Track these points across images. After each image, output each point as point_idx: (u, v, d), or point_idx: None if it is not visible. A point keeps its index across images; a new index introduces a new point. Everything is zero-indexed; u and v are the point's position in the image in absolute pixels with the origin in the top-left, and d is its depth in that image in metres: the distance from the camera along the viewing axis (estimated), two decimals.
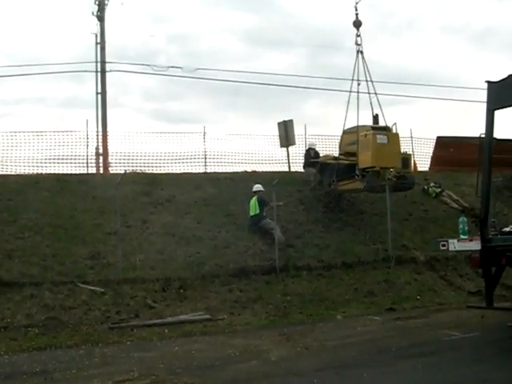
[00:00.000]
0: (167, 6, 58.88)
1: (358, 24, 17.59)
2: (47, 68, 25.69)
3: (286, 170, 21.66)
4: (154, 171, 20.29)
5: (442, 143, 24.24)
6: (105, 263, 14.20)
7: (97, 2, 22.99)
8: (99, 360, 9.51)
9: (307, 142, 22.65)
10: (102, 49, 22.58)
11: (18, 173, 19.47)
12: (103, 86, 22.60)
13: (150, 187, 17.81)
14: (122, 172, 17.56)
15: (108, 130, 22.29)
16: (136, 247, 14.85)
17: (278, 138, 22.32)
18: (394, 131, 17.22)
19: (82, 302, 12.68)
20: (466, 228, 10.89)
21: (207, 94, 63.23)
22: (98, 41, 22.70)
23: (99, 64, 22.52)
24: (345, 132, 18.08)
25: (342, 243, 16.67)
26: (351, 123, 17.63)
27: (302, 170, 21.01)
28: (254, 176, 19.68)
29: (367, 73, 17.17)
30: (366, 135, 16.61)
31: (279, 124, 22.04)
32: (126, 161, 20.98)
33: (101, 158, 21.53)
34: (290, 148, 22.30)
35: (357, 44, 17.54)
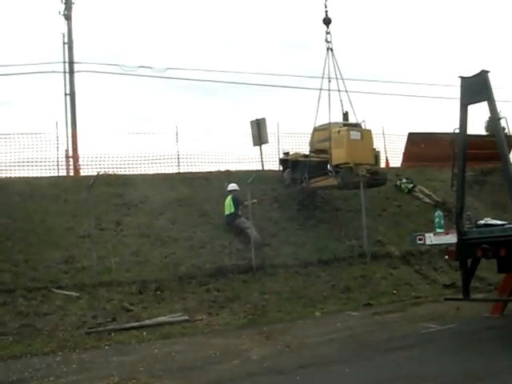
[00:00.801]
0: (134, 3, 58.39)
1: (327, 21, 17.64)
2: (13, 69, 25.33)
3: (260, 168, 21.58)
4: (127, 172, 20.02)
5: (414, 139, 24.46)
6: (79, 267, 13.96)
7: (63, 1, 22.61)
8: (77, 366, 9.34)
9: (280, 141, 22.73)
10: (70, 49, 22.23)
11: None
12: (72, 87, 22.28)
13: (122, 189, 17.58)
14: (93, 174, 17.36)
15: (78, 131, 22.00)
16: (110, 250, 14.65)
17: (250, 136, 22.22)
18: (364, 128, 17.32)
19: (57, 308, 12.46)
20: (442, 222, 10.98)
21: (178, 93, 63.01)
22: (66, 40, 22.33)
23: (67, 64, 22.18)
24: (316, 129, 18.13)
25: (317, 240, 16.70)
26: (322, 121, 17.78)
27: (276, 169, 21.08)
28: (228, 175, 19.61)
29: (337, 70, 17.26)
30: (339, 132, 16.69)
31: (252, 122, 21.98)
32: (96, 163, 20.67)
33: (71, 160, 21.22)
34: (264, 146, 22.22)
35: (327, 41, 17.60)
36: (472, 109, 10.73)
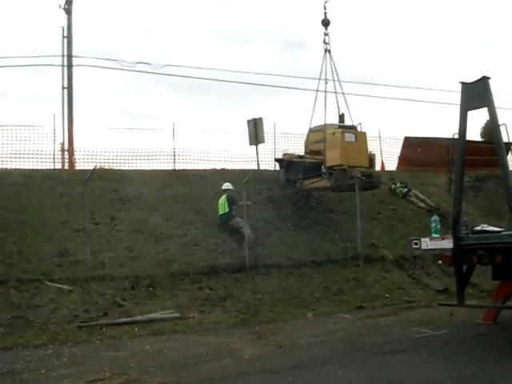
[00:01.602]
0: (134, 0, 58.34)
1: (326, 23, 17.64)
2: (11, 61, 25.18)
3: (255, 167, 21.55)
4: (122, 168, 19.95)
5: (410, 143, 24.51)
6: (73, 261, 13.91)
7: None
8: (69, 360, 9.31)
9: (276, 141, 22.72)
10: (69, 43, 22.11)
11: None
12: (70, 81, 22.18)
13: (118, 184, 17.52)
14: (88, 168, 17.29)
15: (74, 125, 21.87)
16: (104, 244, 14.61)
17: (247, 135, 22.19)
18: (360, 130, 17.32)
19: (50, 301, 12.42)
20: (438, 227, 10.99)
21: (174, 90, 62.99)
22: (65, 34, 22.23)
23: (65, 58, 22.07)
24: (311, 130, 18.12)
25: (311, 241, 16.70)
26: (317, 122, 17.77)
27: (271, 168, 21.09)
28: (224, 173, 19.60)
29: (334, 72, 17.27)
30: (334, 133, 16.68)
31: (249, 122, 21.93)
32: (91, 157, 20.57)
33: (66, 153, 21.12)
34: (260, 146, 22.19)
35: (325, 43, 17.62)
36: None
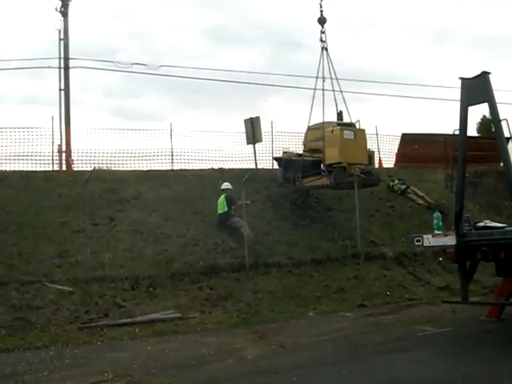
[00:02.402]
0: (128, 2, 58.23)
1: (322, 21, 17.61)
2: (7, 64, 25.03)
3: (253, 167, 21.51)
4: (121, 168, 19.90)
5: (407, 140, 24.47)
6: (73, 262, 13.88)
7: None
8: (70, 361, 9.27)
9: (274, 139, 22.67)
10: (66, 45, 22.08)
11: None
12: (66, 83, 22.14)
13: (116, 184, 17.47)
14: (86, 169, 17.22)
15: (71, 126, 21.84)
16: (104, 245, 14.53)
17: (243, 135, 22.13)
18: (359, 127, 17.27)
19: (50, 302, 12.38)
20: (440, 223, 10.94)
21: (169, 91, 62.91)
22: (62, 37, 22.18)
23: (62, 60, 22.01)
24: (309, 128, 18.08)
25: (310, 240, 16.65)
26: (315, 120, 17.74)
27: (269, 167, 21.04)
28: (221, 173, 19.56)
29: (332, 70, 17.23)
30: (332, 131, 16.65)
31: (246, 121, 21.88)
32: (90, 158, 20.52)
33: (63, 155, 21.06)
34: (257, 145, 22.15)
35: (321, 41, 17.59)
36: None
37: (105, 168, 19.15)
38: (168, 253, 14.96)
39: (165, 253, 14.94)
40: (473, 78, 10.40)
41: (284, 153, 20.00)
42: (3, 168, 18.86)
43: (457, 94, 10.85)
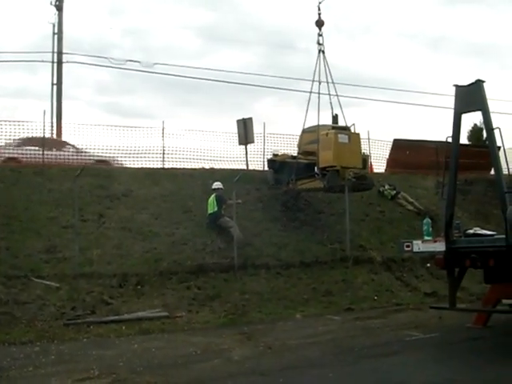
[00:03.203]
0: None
1: (320, 23, 17.63)
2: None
3: (244, 167, 21.48)
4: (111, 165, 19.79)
5: (399, 146, 24.51)
6: (60, 257, 13.77)
7: None
8: (56, 357, 9.20)
9: (266, 141, 22.65)
10: (60, 39, 22.06)
11: None
12: (59, 77, 22.07)
13: (106, 181, 17.38)
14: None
15: (63, 121, 21.75)
16: (93, 242, 14.46)
17: (235, 135, 22.09)
18: (353, 131, 17.31)
19: (37, 297, 12.28)
20: (430, 229, 10.97)
21: (161, 89, 62.82)
22: (56, 31, 22.11)
23: (55, 54, 21.94)
24: (304, 131, 18.09)
25: (300, 242, 16.66)
26: (310, 123, 17.75)
27: (260, 169, 21.03)
28: (212, 173, 19.52)
29: (328, 73, 17.26)
30: (327, 134, 16.65)
31: (238, 122, 21.86)
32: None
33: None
34: (249, 146, 22.13)
35: (319, 43, 17.60)
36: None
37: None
38: (157, 251, 14.90)
39: (153, 251, 14.88)
40: (467, 85, 10.45)
41: (274, 155, 19.97)
42: None
43: (450, 101, 10.94)
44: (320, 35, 17.63)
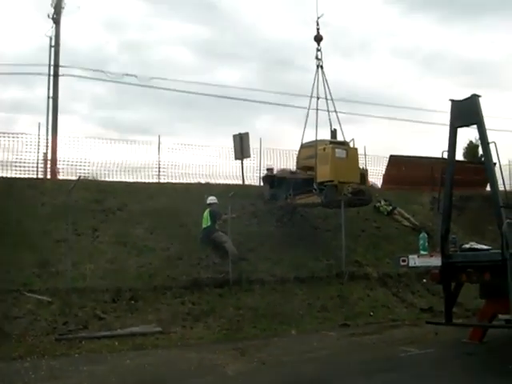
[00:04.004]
0: (120, 14, 58.36)
1: (319, 38, 17.66)
2: None
3: (240, 182, 21.43)
4: (106, 179, 19.70)
5: (395, 162, 24.55)
6: (53, 272, 13.60)
7: (53, 5, 22.43)
8: (46, 373, 9.05)
9: (262, 156, 22.61)
10: (56, 52, 22.00)
11: None
12: (55, 91, 22.00)
13: (101, 195, 17.26)
14: (72, 178, 17.00)
15: (58, 134, 21.67)
16: (86, 256, 14.30)
17: (232, 150, 22.05)
18: (352, 146, 17.27)
19: (28, 312, 12.10)
20: (426, 244, 10.92)
21: (158, 104, 62.87)
22: (53, 44, 22.09)
23: (52, 67, 21.90)
24: (303, 146, 18.06)
25: (295, 258, 16.53)
26: (309, 138, 17.72)
27: (256, 184, 20.96)
28: (208, 188, 19.42)
29: (326, 88, 17.27)
30: (324, 149, 16.61)
31: (234, 136, 21.85)
32: (75, 167, 20.28)
33: (49, 163, 20.85)
34: (245, 161, 22.08)
35: (317, 58, 17.62)
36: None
37: (90, 178, 18.97)
38: (151, 266, 14.77)
39: (148, 266, 14.75)
40: (463, 100, 10.46)
41: (267, 170, 19.91)
42: None
43: (446, 118, 10.92)
44: (319, 50, 17.68)
